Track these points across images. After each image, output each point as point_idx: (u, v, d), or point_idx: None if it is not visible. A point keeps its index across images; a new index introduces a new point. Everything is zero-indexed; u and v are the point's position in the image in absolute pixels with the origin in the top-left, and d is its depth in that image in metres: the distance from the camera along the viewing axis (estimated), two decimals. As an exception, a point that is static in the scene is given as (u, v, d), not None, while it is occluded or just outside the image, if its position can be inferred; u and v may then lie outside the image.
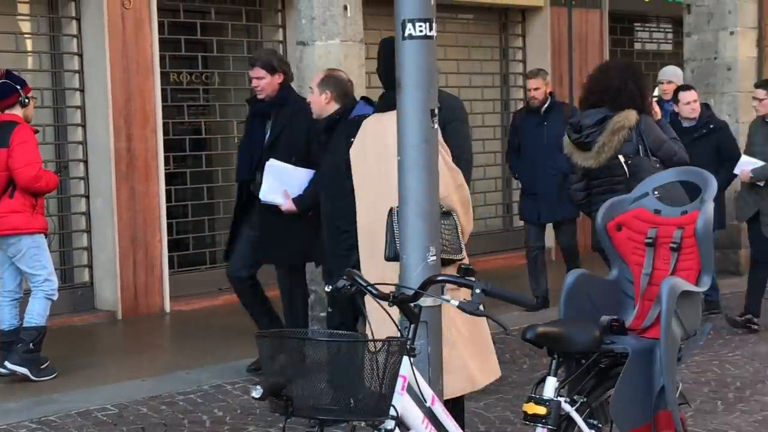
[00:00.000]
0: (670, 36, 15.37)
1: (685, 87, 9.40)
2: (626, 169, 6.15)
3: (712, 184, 4.51)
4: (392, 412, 3.35)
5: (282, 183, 6.81)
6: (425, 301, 3.63)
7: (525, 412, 3.95)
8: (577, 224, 9.74)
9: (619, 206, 4.68)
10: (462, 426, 4.71)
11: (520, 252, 13.08)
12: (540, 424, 3.90)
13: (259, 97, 7.13)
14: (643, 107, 6.22)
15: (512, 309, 7.32)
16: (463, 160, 5.72)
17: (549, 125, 9.41)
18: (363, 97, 6.39)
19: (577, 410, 4.00)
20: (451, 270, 4.67)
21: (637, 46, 15.02)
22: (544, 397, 3.92)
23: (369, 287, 3.53)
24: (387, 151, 4.76)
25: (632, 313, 4.54)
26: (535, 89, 9.58)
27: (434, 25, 3.86)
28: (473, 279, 3.50)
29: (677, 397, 4.21)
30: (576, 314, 4.37)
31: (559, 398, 3.94)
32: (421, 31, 3.82)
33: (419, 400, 3.54)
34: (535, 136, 9.44)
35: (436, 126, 3.92)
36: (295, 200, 6.80)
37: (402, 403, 3.42)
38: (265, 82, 7.07)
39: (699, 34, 11.68)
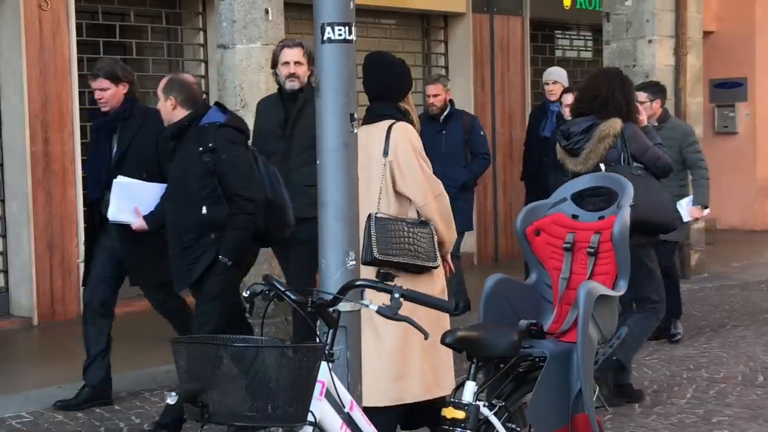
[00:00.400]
0: (590, 44, 15.55)
1: (568, 89, 9.17)
2: None
3: (629, 190, 4.57)
4: (310, 417, 3.32)
5: (132, 200, 6.36)
6: (344, 306, 3.62)
7: (444, 417, 3.95)
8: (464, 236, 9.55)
9: (537, 211, 4.71)
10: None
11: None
12: (459, 429, 3.90)
13: (103, 109, 6.64)
14: (629, 115, 6.45)
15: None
16: None
17: (447, 134, 9.23)
18: (216, 103, 6.19)
19: (495, 414, 4.02)
20: (425, 278, 4.97)
21: (558, 53, 15.18)
22: (463, 402, 3.93)
23: (287, 292, 3.50)
24: (370, 161, 5.00)
25: (551, 317, 4.58)
26: (435, 96, 9.35)
27: (354, 29, 3.85)
28: (392, 284, 3.49)
29: (594, 400, 4.24)
30: (495, 318, 4.40)
31: (477, 402, 3.95)
32: (340, 34, 3.81)
33: (338, 406, 3.52)
34: (432, 144, 8.98)
35: (356, 131, 3.91)
36: (146, 217, 6.31)
37: (320, 408, 3.39)
38: (109, 94, 6.56)
39: (618, 42, 11.84)
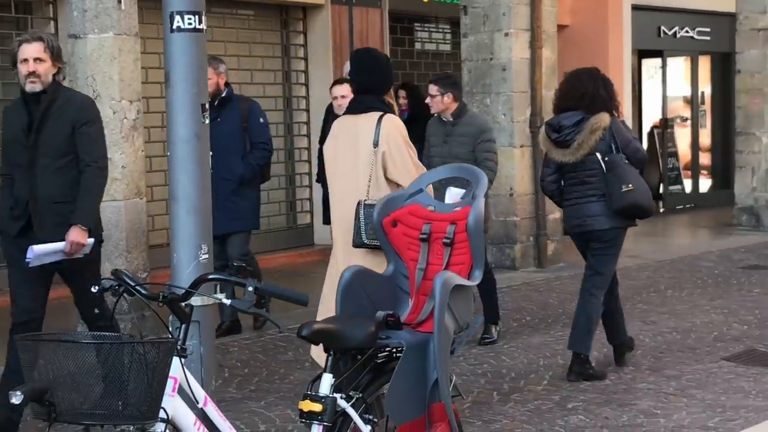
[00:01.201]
0: (448, 36, 15.71)
1: (340, 81, 8.80)
2: (603, 165, 6.86)
3: (483, 181, 4.62)
4: (162, 414, 3.26)
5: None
6: (196, 301, 3.56)
7: (301, 410, 3.92)
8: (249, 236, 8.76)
9: (394, 202, 4.72)
10: None
11: (303, 249, 13.17)
12: (316, 422, 3.88)
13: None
14: (613, 110, 6.97)
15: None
16: (95, 168, 5.55)
17: (222, 121, 8.25)
18: None
19: (352, 406, 4.00)
20: None
21: (417, 46, 15.29)
22: (320, 394, 3.90)
23: (136, 287, 3.43)
24: (359, 149, 5.59)
25: (408, 307, 4.60)
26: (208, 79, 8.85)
27: (204, 18, 3.78)
28: (246, 277, 3.45)
29: (451, 389, 4.27)
30: (352, 310, 4.38)
31: (334, 395, 3.93)
32: (190, 23, 3.74)
33: (191, 402, 3.47)
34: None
35: (207, 121, 3.85)
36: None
37: (173, 405, 3.34)
38: None
39: (475, 35, 11.97)
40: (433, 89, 8.01)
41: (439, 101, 7.98)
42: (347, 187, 5.65)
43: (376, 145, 5.56)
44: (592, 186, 6.91)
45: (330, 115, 8.98)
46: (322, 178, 7.91)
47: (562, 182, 7.10)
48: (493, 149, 7.96)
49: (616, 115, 6.98)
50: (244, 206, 8.40)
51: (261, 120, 8.60)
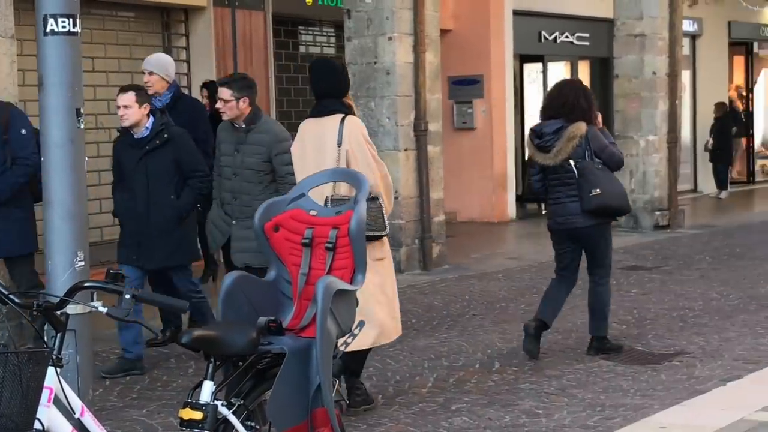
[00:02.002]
0: (332, 40, 15.71)
1: (125, 88, 7.75)
2: (575, 170, 7.55)
3: (365, 185, 4.62)
4: (37, 425, 3.19)
5: None
6: (72, 309, 3.49)
7: (181, 418, 3.87)
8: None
9: (276, 207, 4.68)
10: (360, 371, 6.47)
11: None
12: (196, 430, 3.83)
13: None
14: (590, 119, 7.63)
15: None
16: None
17: None
18: None
19: (234, 413, 3.97)
20: (377, 245, 6.14)
21: (302, 49, 15.26)
22: (201, 402, 3.86)
23: (9, 296, 3.34)
24: (324, 149, 6.20)
25: (290, 313, 4.57)
26: None
27: (79, 20, 3.71)
28: (123, 284, 3.39)
29: (334, 394, 4.27)
30: (234, 316, 4.34)
31: (215, 402, 3.89)
32: (63, 26, 3.66)
33: (68, 412, 3.39)
34: None
35: (83, 126, 3.77)
36: None
37: (48, 415, 3.26)
38: None
39: (359, 38, 12.01)
40: (225, 93, 7.22)
41: (234, 106, 7.20)
42: None
43: (339, 144, 6.19)
44: (572, 187, 7.59)
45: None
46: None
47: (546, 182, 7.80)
48: (290, 163, 6.72)
49: (593, 123, 7.66)
50: (6, 228, 7.47)
51: (23, 131, 7.45)
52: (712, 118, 21.02)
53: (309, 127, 6.45)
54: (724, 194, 20.79)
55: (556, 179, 7.67)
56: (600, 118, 7.94)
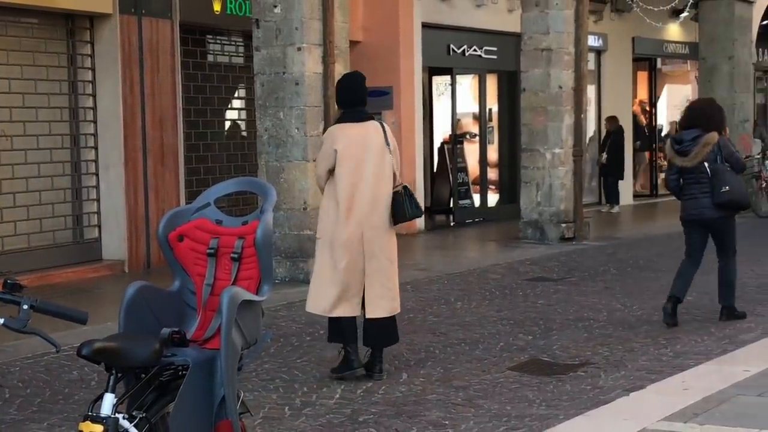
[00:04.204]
0: (241, 49, 15.62)
1: None
2: (708, 171, 9.07)
3: (272, 195, 4.58)
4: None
5: None
6: (-33, 320, 3.38)
7: (81, 431, 3.78)
8: None
9: (181, 216, 4.61)
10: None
11: (90, 265, 12.82)
12: (97, 443, 3.75)
13: None
14: (721, 130, 9.29)
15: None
16: None
17: None
18: None
19: (136, 426, 3.89)
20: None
21: (210, 58, 15.12)
22: (101, 415, 3.77)
23: None
24: (372, 148, 7.46)
25: (194, 324, 4.50)
26: None
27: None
28: (20, 294, 3.30)
29: (239, 406, 4.21)
30: (137, 327, 4.26)
31: (117, 415, 3.81)
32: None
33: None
34: None
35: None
36: None
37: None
38: None
39: (268, 48, 11.94)
40: None
41: None
42: (372, 176, 7.49)
43: (388, 145, 7.53)
44: (705, 185, 9.08)
45: None
46: None
47: (681, 180, 9.26)
48: None
49: (723, 134, 9.26)
50: None
51: None
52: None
53: (352, 131, 7.46)
54: (616, 209, 21.00)
55: (692, 178, 9.18)
56: (728, 130, 9.86)
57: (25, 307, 3.24)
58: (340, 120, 7.68)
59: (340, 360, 7.60)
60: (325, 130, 11.89)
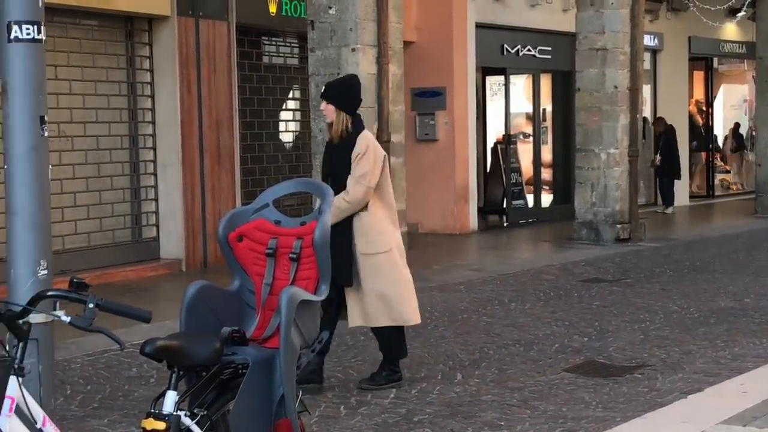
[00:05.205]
0: (296, 51, 15.70)
1: None
2: None
3: (329, 196, 4.62)
4: (-2, 436, 3.16)
5: None
6: (35, 318, 3.45)
7: (144, 428, 3.85)
8: None
9: (240, 217, 4.68)
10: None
11: (148, 264, 12.96)
12: (159, 440, 3.81)
13: None
14: None
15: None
16: None
17: None
18: None
19: (197, 423, 3.95)
20: None
21: (265, 59, 15.24)
22: (164, 412, 3.84)
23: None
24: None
25: (254, 323, 4.55)
26: None
27: (44, 28, 3.69)
28: (86, 293, 3.36)
29: (297, 404, 4.26)
30: (198, 326, 4.32)
31: (178, 412, 3.87)
32: (28, 34, 3.64)
33: (29, 422, 3.36)
34: None
35: (47, 134, 3.75)
36: None
37: (10, 425, 3.23)
38: None
39: (322, 49, 12.00)
40: None
41: None
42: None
43: None
44: None
45: None
46: None
47: None
48: None
49: None
50: None
51: None
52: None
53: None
54: (670, 209, 20.86)
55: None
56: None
57: (91, 305, 3.30)
58: (356, 125, 7.17)
59: (391, 372, 7.36)
60: (378, 130, 11.96)
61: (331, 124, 7.21)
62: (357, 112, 7.19)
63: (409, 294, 7.26)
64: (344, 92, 7.20)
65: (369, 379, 7.34)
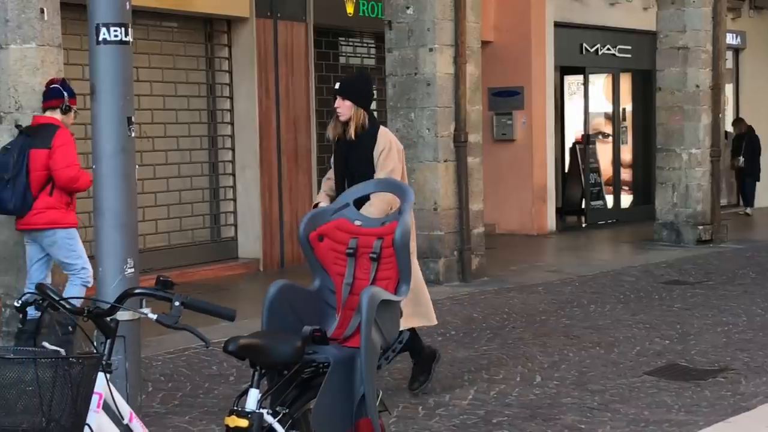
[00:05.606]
0: (373, 51, 15.74)
1: None
2: None
3: (410, 195, 4.62)
4: (87, 430, 3.20)
5: None
6: (122, 315, 3.51)
7: (227, 426, 3.88)
8: None
9: (321, 217, 4.70)
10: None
11: (227, 263, 13.09)
12: (242, 437, 3.84)
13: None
14: None
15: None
16: None
17: None
18: None
19: (279, 421, 3.97)
20: None
21: (342, 60, 15.29)
22: (246, 410, 3.87)
23: (60, 301, 3.37)
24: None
25: (334, 322, 4.57)
26: None
27: (131, 30, 3.74)
28: (172, 291, 3.40)
29: (377, 404, 4.26)
30: (279, 325, 4.35)
31: (261, 410, 3.90)
32: (116, 35, 3.70)
33: (117, 418, 3.42)
34: None
35: (133, 134, 3.80)
36: None
37: (98, 421, 3.28)
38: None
39: (400, 50, 12.02)
40: None
41: None
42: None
43: None
44: None
45: None
46: None
47: None
48: None
49: None
50: None
51: None
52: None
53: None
54: (749, 210, 20.56)
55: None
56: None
57: (177, 303, 3.34)
58: (371, 121, 6.95)
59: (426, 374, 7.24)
60: (456, 130, 11.95)
61: (338, 122, 6.98)
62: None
63: (427, 297, 7.08)
64: (361, 88, 7.00)
65: (416, 381, 7.21)
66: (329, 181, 7.17)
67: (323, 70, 14.44)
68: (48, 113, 7.75)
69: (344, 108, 6.91)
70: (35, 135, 7.66)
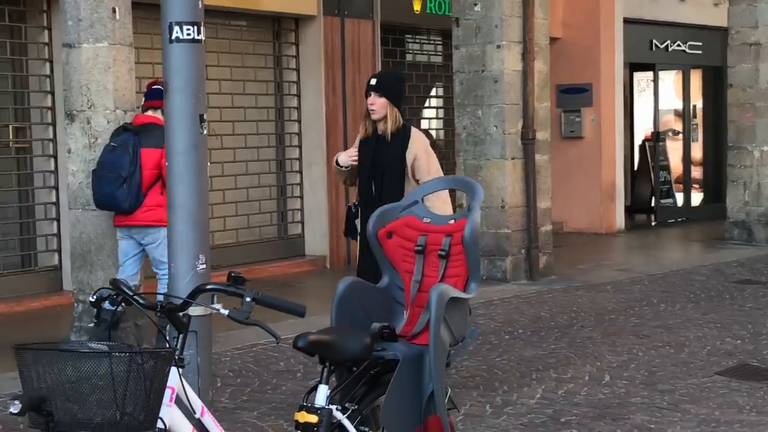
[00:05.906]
0: (440, 48, 15.73)
1: None
2: None
3: (479, 193, 4.61)
4: (160, 424, 3.25)
5: None
6: (194, 311, 3.54)
7: (297, 421, 3.91)
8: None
9: (390, 214, 4.71)
10: None
11: (294, 260, 13.16)
12: (311, 433, 3.87)
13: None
14: None
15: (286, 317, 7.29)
16: None
17: None
18: None
19: (348, 417, 4.00)
20: None
21: (409, 57, 15.30)
22: (316, 406, 3.89)
23: (135, 297, 3.41)
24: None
25: (403, 319, 4.59)
26: None
27: (203, 28, 3.78)
28: (243, 287, 3.43)
29: (446, 401, 4.27)
30: (347, 322, 4.38)
31: (330, 406, 3.92)
32: (188, 34, 3.74)
33: (189, 412, 3.45)
34: None
35: (205, 132, 3.84)
36: None
37: (170, 415, 3.32)
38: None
39: (467, 47, 11.99)
40: None
41: None
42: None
43: None
44: None
45: None
46: None
47: None
48: None
49: None
50: None
51: None
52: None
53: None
54: None
55: None
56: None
57: (248, 299, 3.37)
58: (404, 119, 6.91)
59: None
60: (523, 128, 11.89)
61: (368, 120, 6.87)
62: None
63: None
64: (396, 85, 6.87)
65: None
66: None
67: (390, 67, 14.45)
68: (150, 113, 7.85)
69: (379, 105, 6.77)
70: (142, 134, 7.75)
